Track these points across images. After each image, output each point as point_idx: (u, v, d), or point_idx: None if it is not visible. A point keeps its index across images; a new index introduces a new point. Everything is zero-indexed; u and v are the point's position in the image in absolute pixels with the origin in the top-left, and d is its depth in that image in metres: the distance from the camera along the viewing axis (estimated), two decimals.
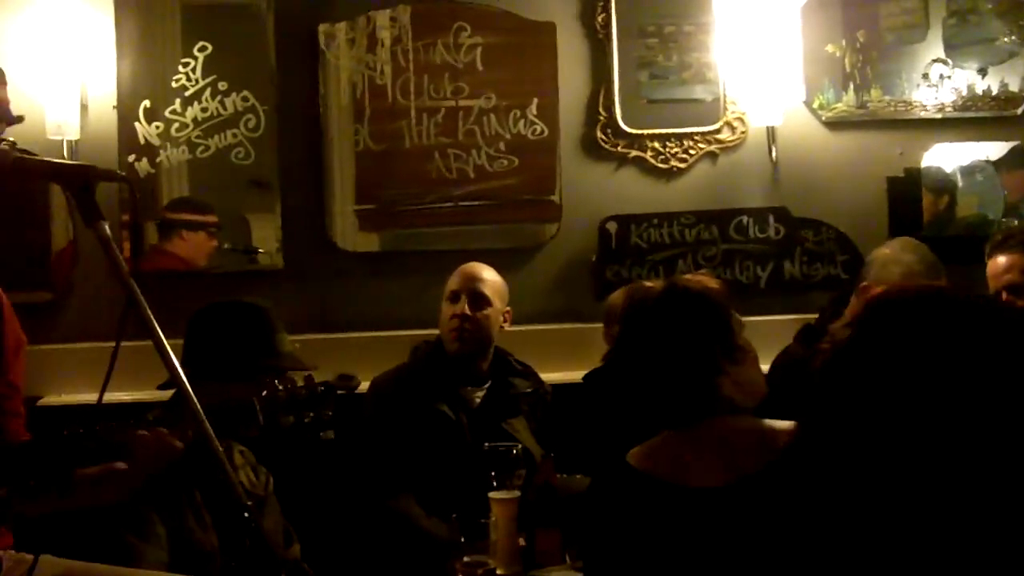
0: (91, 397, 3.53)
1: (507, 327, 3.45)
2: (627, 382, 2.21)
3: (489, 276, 3.42)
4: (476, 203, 4.13)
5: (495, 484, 2.71)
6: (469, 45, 4.11)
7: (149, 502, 2.42)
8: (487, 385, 3.39)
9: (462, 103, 4.11)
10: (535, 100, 4.14)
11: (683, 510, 2.02)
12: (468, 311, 3.34)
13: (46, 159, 1.97)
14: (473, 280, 3.39)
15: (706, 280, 2.17)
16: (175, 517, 2.54)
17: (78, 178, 1.81)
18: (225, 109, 4.03)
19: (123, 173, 3.62)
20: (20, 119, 1.94)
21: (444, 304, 3.41)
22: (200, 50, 4.01)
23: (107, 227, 1.78)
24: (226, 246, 4.09)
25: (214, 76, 4.02)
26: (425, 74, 4.10)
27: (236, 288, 3.74)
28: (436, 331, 3.44)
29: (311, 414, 2.19)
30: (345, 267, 4.11)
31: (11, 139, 1.93)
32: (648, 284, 2.23)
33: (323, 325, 3.96)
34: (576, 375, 3.62)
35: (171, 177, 4.04)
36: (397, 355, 3.48)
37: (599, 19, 4.18)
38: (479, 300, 3.35)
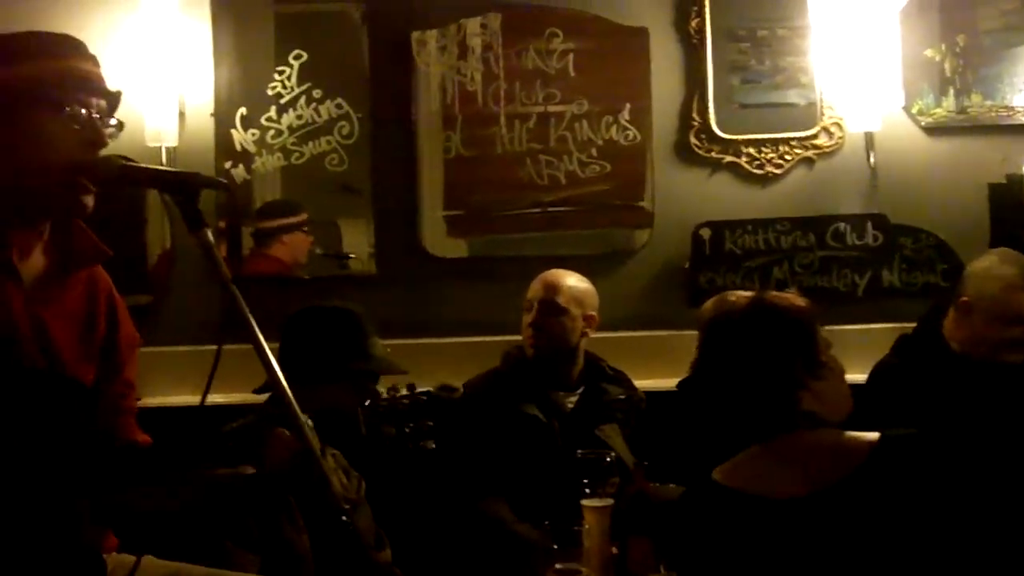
0: (187, 399, 3.62)
1: (592, 333, 3.43)
2: (709, 394, 2.24)
3: (567, 283, 3.41)
4: (566, 209, 4.11)
5: (588, 491, 2.68)
6: (561, 51, 4.11)
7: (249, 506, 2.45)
8: (579, 391, 3.38)
9: (554, 109, 4.11)
10: (627, 105, 4.11)
11: (766, 521, 2.05)
12: (538, 320, 3.34)
13: (151, 167, 1.99)
14: (544, 289, 3.39)
15: (792, 297, 2.18)
16: (269, 520, 2.56)
17: (183, 185, 1.83)
18: (319, 116, 4.08)
19: (224, 180, 3.72)
20: (119, 93, 1.96)
21: (523, 312, 3.43)
22: (295, 58, 4.07)
23: (210, 234, 1.80)
24: (318, 251, 4.13)
25: (309, 84, 4.07)
26: (517, 80, 4.11)
27: (329, 293, 3.77)
28: None
29: (412, 424, 2.19)
30: (436, 273, 4.13)
31: (119, 119, 1.95)
32: (733, 297, 2.22)
33: (415, 330, 3.97)
34: (668, 383, 3.56)
35: (264, 183, 4.10)
36: (489, 360, 3.49)
37: (693, 24, 4.14)
38: (550, 309, 3.35)
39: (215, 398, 3.31)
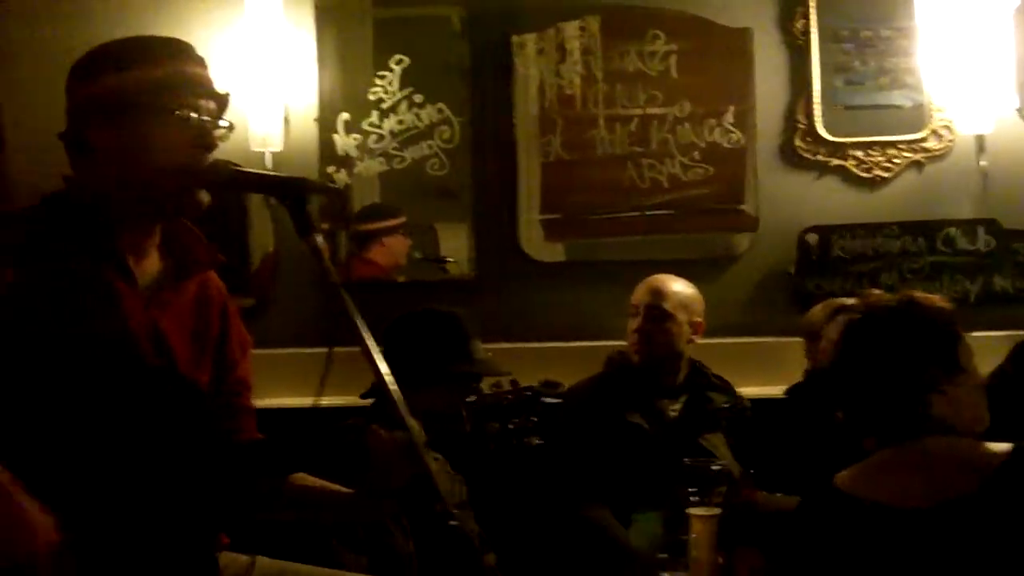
0: (286, 401, 3.63)
1: (698, 339, 3.39)
2: (841, 395, 2.19)
3: (673, 289, 3.36)
4: (666, 212, 4.07)
5: (694, 500, 2.65)
6: (663, 53, 4.07)
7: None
8: (683, 398, 3.34)
9: (656, 111, 4.07)
10: (731, 107, 4.06)
11: (888, 531, 1.98)
12: (644, 326, 3.30)
13: (262, 172, 2.01)
14: (651, 294, 3.35)
15: (938, 300, 2.15)
16: (377, 524, 2.57)
17: (293, 191, 1.83)
18: (421, 121, 4.10)
19: (336, 186, 3.75)
20: (228, 95, 1.96)
21: (629, 317, 3.38)
22: (397, 63, 4.09)
23: (320, 239, 1.80)
24: (417, 255, 4.15)
25: (410, 89, 4.09)
26: (617, 82, 4.08)
27: (428, 298, 3.78)
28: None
29: (516, 420, 2.17)
30: (535, 277, 4.12)
31: (230, 121, 1.97)
32: (876, 292, 2.20)
33: (515, 335, 3.96)
34: (773, 390, 3.54)
35: (363, 188, 4.13)
36: (589, 365, 3.47)
37: (798, 25, 4.08)
38: (657, 315, 3.32)
39: (318, 400, 3.35)
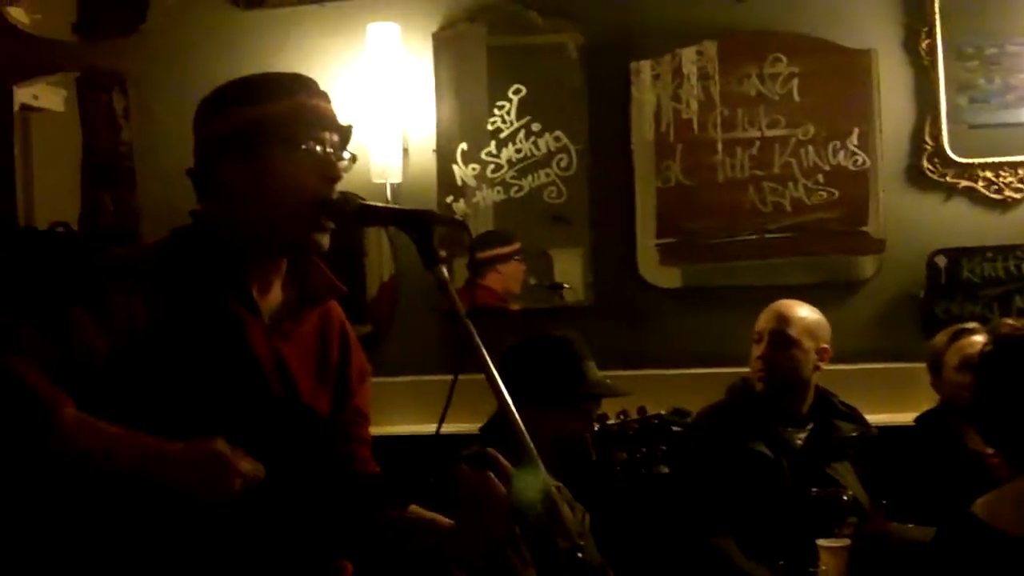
0: (406, 428, 3.65)
1: (824, 366, 3.31)
2: (981, 423, 2.15)
3: (798, 314, 3.28)
4: (788, 236, 4.01)
5: (823, 531, 2.58)
6: (785, 75, 4.02)
7: None
8: (809, 427, 3.26)
9: (778, 134, 4.02)
10: (855, 130, 3.98)
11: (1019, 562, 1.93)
12: (768, 352, 3.24)
13: (388, 206, 2.03)
14: (775, 320, 3.27)
15: None
16: (496, 552, 2.55)
17: (420, 224, 1.84)
18: (538, 150, 4.11)
19: (462, 219, 3.79)
20: (350, 127, 1.99)
21: (752, 344, 3.32)
22: (514, 92, 4.12)
23: (446, 270, 1.81)
24: (532, 281, 4.15)
25: (528, 118, 4.12)
26: (738, 106, 4.04)
27: (545, 325, 3.76)
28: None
29: (644, 449, 2.14)
30: (652, 302, 4.10)
31: (353, 153, 1.99)
32: (1010, 322, 2.13)
33: (633, 361, 3.92)
34: (902, 417, 3.45)
35: (481, 216, 4.17)
36: (710, 393, 3.41)
37: (923, 45, 3.98)
38: (782, 341, 3.24)
39: (432, 428, 3.36)
